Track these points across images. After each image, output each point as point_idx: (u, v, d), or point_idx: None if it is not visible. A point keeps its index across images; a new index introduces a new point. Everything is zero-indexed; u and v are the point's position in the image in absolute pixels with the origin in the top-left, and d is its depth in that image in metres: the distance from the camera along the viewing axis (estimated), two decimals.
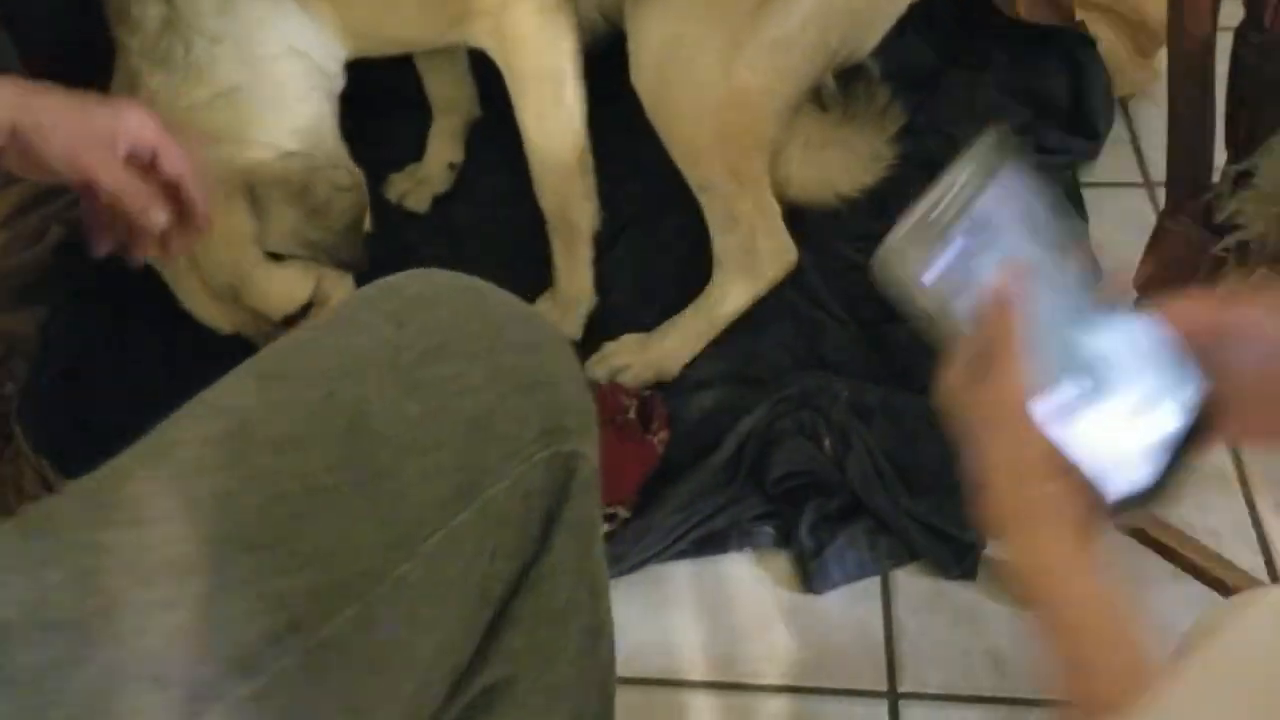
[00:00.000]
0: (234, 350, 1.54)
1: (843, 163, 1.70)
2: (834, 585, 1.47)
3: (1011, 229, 0.69)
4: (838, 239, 1.75)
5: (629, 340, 1.68)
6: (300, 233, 1.48)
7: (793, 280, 1.72)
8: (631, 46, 1.52)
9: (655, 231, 1.81)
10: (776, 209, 1.61)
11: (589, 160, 1.63)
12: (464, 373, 0.79)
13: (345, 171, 1.54)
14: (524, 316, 0.88)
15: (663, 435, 1.61)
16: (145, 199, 1.05)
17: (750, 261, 1.61)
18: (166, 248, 1.13)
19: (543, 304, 1.72)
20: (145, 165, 1.05)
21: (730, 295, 1.64)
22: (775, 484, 1.52)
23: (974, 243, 0.68)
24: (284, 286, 1.51)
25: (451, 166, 1.94)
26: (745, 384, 1.65)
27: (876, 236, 1.58)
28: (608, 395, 1.61)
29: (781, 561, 1.50)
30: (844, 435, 1.53)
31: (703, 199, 1.57)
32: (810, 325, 1.69)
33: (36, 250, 1.71)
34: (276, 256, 1.49)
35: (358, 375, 0.77)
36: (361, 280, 1.50)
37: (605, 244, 1.73)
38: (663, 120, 1.52)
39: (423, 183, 1.93)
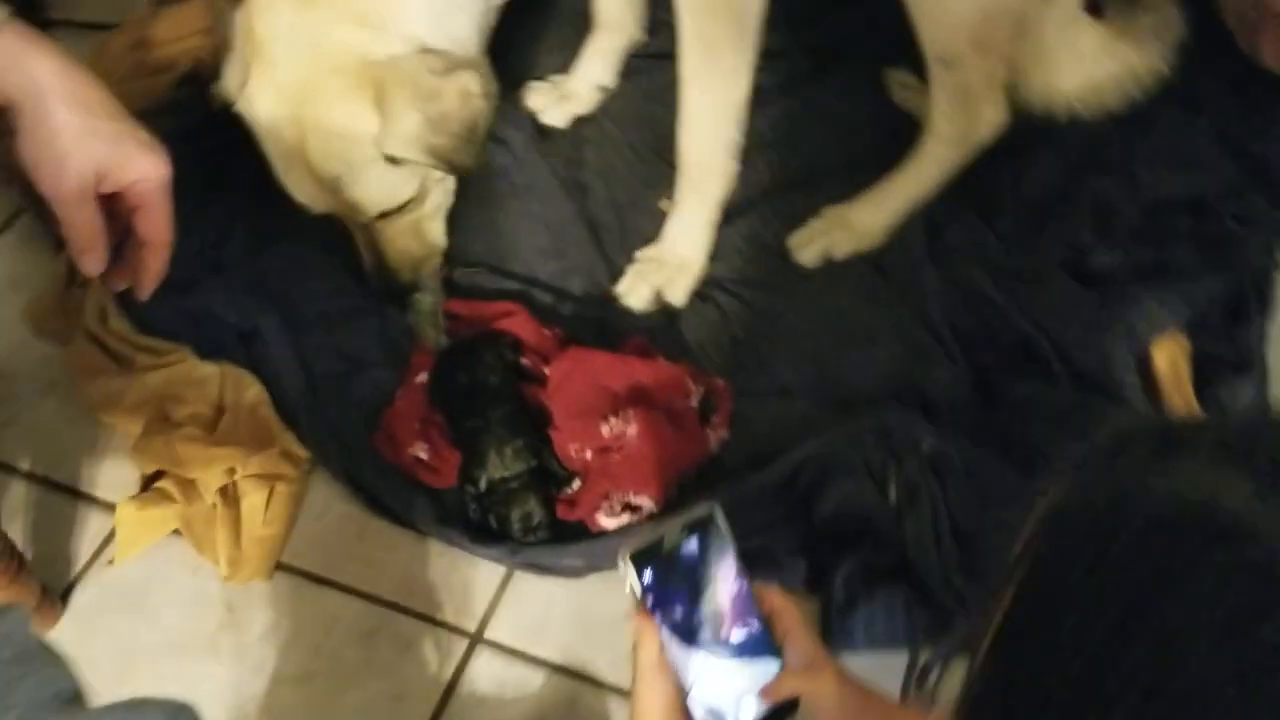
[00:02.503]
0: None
1: (1115, 74, 1.56)
2: (854, 648, 1.31)
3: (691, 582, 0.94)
4: (976, 268, 1.56)
5: (830, 212, 1.64)
6: (422, 138, 1.39)
7: (913, 302, 1.55)
8: None
9: None
10: (1002, 77, 1.54)
11: (742, 123, 1.54)
12: None
13: (479, 78, 1.43)
14: None
15: (721, 434, 1.48)
16: (88, 242, 0.99)
17: (965, 128, 1.57)
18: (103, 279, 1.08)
19: (645, 261, 1.61)
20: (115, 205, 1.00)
21: (940, 158, 1.60)
22: (824, 521, 1.37)
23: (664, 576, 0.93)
24: (389, 187, 1.45)
25: (600, 89, 1.82)
26: (828, 402, 1.50)
27: (1019, 274, 1.51)
28: (672, 375, 1.49)
29: (806, 603, 1.36)
30: (913, 489, 1.36)
31: (937, 70, 1.53)
32: (919, 355, 1.52)
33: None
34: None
35: None
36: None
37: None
38: None
39: (565, 99, 1.81)
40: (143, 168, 1.00)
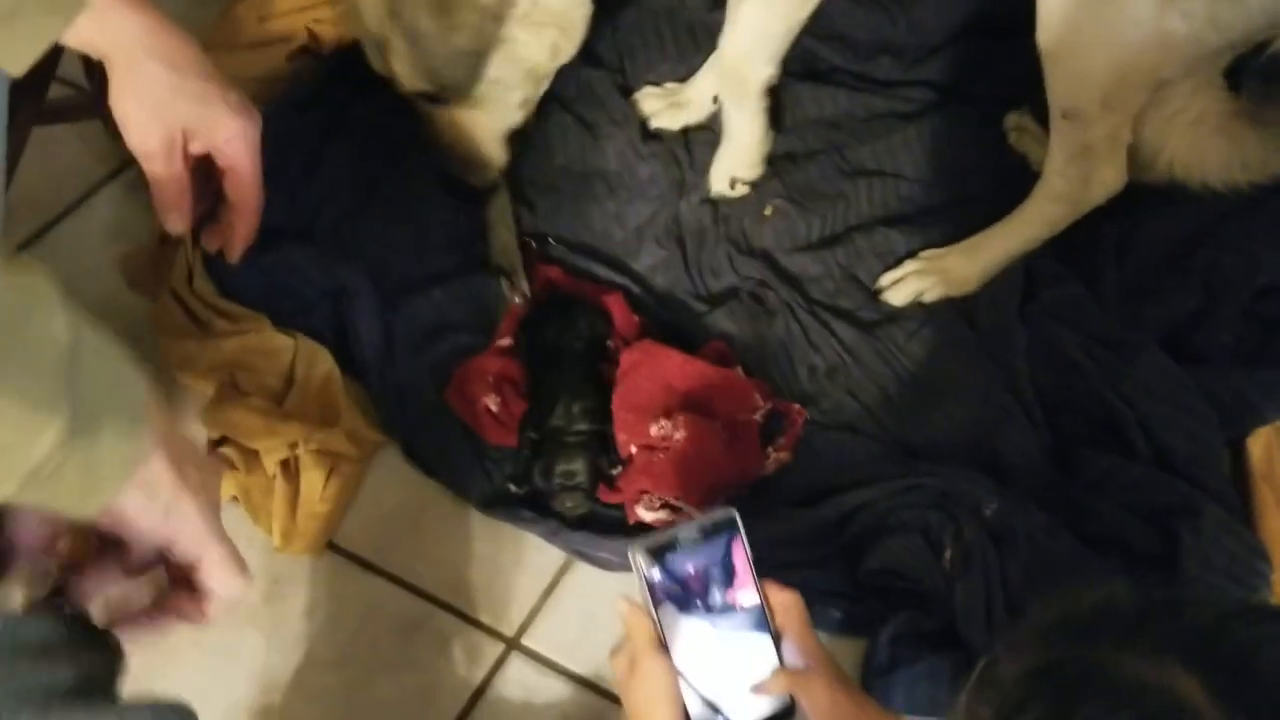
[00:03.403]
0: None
1: (1225, 154, 1.51)
2: (893, 711, 1.28)
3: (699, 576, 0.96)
4: (1070, 330, 1.49)
5: (927, 255, 1.60)
6: (415, 14, 1.34)
7: (999, 357, 1.50)
8: None
9: None
10: (1126, 138, 1.49)
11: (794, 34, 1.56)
12: None
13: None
14: None
15: (782, 456, 1.46)
16: (173, 200, 1.00)
17: (1079, 187, 1.51)
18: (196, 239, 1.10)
19: (723, 158, 1.68)
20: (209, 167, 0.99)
21: (1048, 215, 1.55)
22: (870, 573, 1.34)
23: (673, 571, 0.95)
24: (407, 65, 1.41)
25: (716, 100, 1.79)
26: (897, 449, 1.46)
27: (1114, 343, 1.49)
28: (740, 387, 1.47)
29: (836, 651, 1.31)
30: (969, 554, 1.32)
31: (1059, 123, 1.47)
32: (997, 413, 1.46)
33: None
34: None
35: None
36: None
37: None
38: (1059, 40, 1.40)
39: (678, 106, 1.78)
40: (232, 129, 1.01)
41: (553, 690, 1.34)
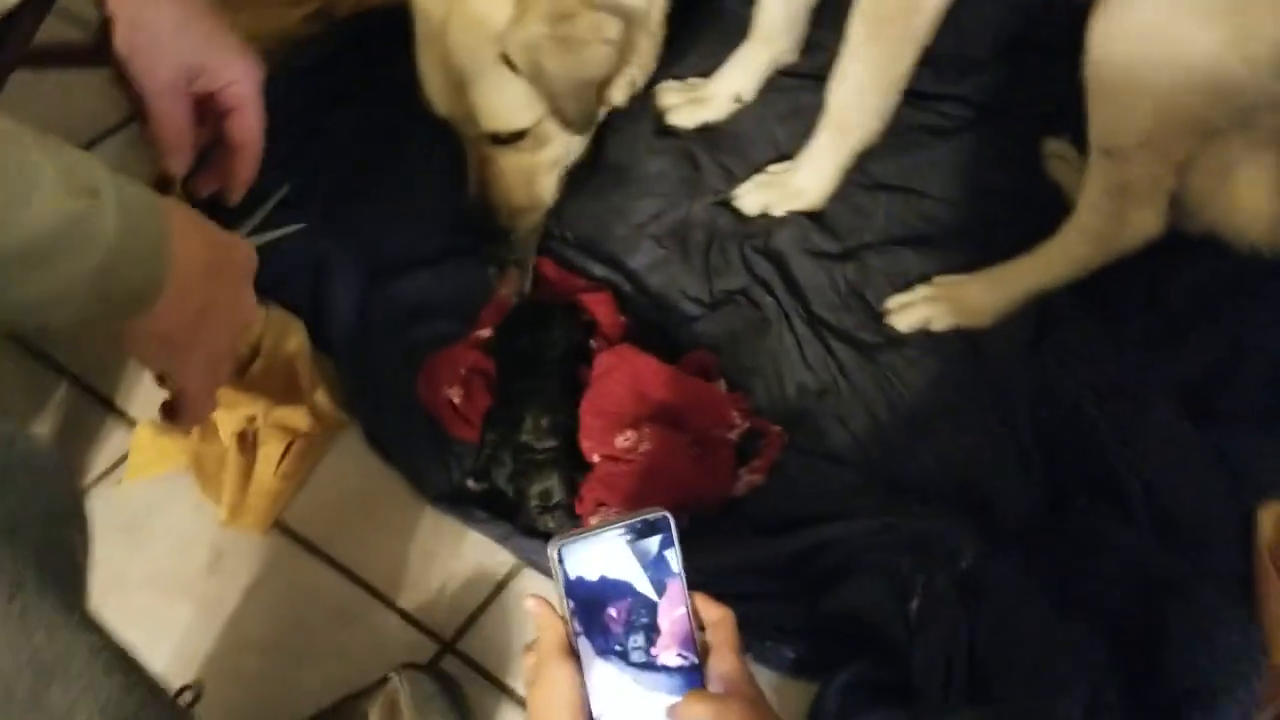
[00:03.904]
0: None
1: (1260, 210, 1.41)
2: None
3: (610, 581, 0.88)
4: (1080, 376, 1.39)
5: (941, 281, 1.52)
6: (538, 51, 1.33)
7: (1002, 397, 1.40)
8: (1108, 4, 1.28)
9: None
10: (1169, 184, 1.39)
11: (895, 96, 1.50)
12: None
13: (619, 26, 1.37)
14: None
15: (755, 478, 1.37)
16: (176, 138, 1.03)
17: (1112, 228, 1.41)
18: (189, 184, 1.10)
19: (771, 175, 1.62)
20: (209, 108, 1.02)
21: (1076, 253, 1.45)
22: (828, 615, 1.25)
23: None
24: (506, 101, 1.41)
25: (737, 99, 1.71)
26: (880, 483, 1.37)
27: (1126, 394, 1.39)
28: (717, 402, 1.39)
29: (784, 692, 1.24)
30: (935, 606, 1.22)
31: (1098, 158, 1.38)
32: (993, 456, 1.37)
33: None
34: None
35: None
36: None
37: None
38: (1107, 71, 1.31)
39: (698, 102, 1.71)
40: (238, 70, 1.03)
41: (479, 700, 1.27)
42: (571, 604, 0.88)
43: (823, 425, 1.42)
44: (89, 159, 0.77)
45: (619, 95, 1.52)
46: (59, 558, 0.78)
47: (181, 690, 1.20)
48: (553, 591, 0.89)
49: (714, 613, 0.91)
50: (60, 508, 0.82)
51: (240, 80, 1.06)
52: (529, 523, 1.35)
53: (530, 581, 1.34)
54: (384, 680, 1.20)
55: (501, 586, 1.35)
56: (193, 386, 0.96)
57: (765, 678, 1.24)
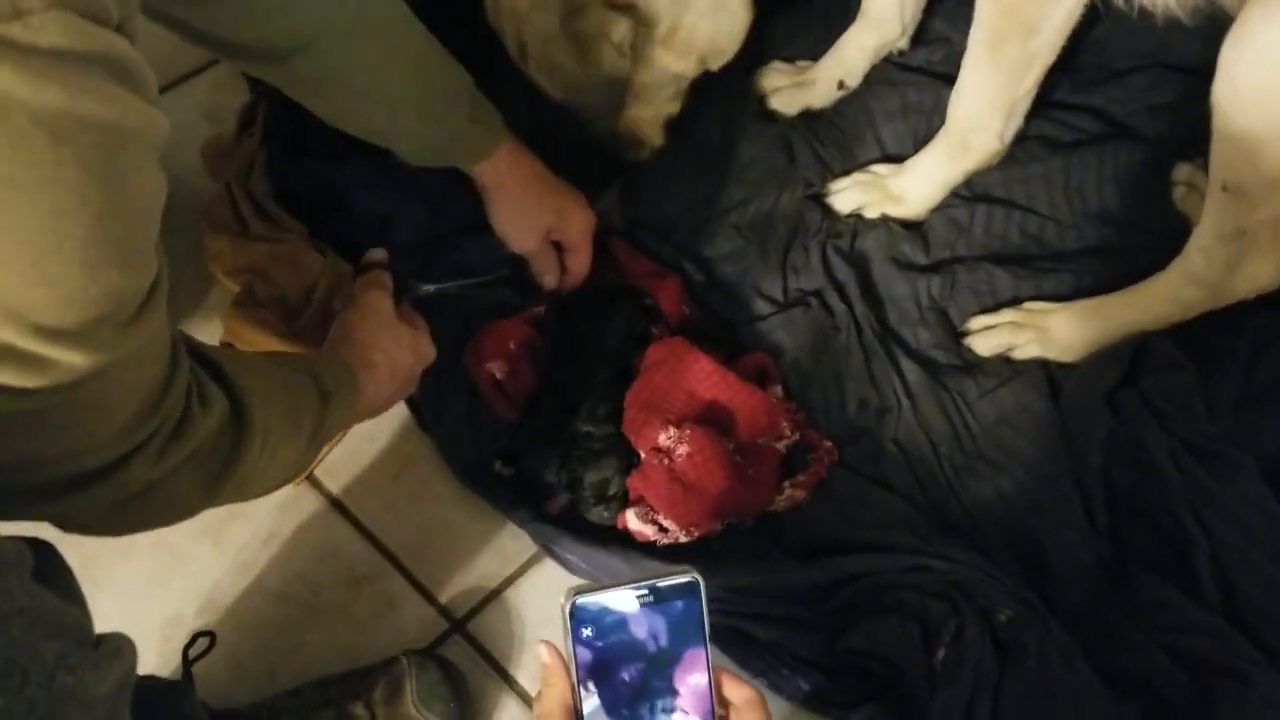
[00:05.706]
0: None
1: None
2: None
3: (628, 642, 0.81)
4: (1162, 431, 1.27)
5: (1031, 307, 1.42)
6: (548, 31, 1.41)
7: (1074, 441, 1.29)
8: (1246, 24, 1.15)
9: None
10: None
11: (1017, 115, 1.44)
12: None
13: (629, 30, 1.32)
14: None
15: (797, 494, 1.30)
16: (545, 269, 1.40)
17: (1224, 273, 1.30)
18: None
19: (872, 175, 1.53)
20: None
21: (1182, 296, 1.33)
22: (849, 650, 1.17)
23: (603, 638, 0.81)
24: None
25: (841, 86, 1.61)
26: (929, 517, 1.28)
27: (1208, 457, 1.30)
28: (767, 409, 1.32)
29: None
30: (962, 658, 1.14)
31: (1218, 194, 1.26)
32: (1055, 504, 1.26)
33: None
34: None
35: None
36: None
37: None
38: (1237, 99, 1.18)
39: (801, 86, 1.62)
40: (580, 226, 1.38)
41: (481, 687, 1.24)
42: (580, 663, 0.81)
43: (878, 447, 1.33)
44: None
45: (691, 70, 1.45)
46: None
47: (195, 637, 1.19)
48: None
49: (743, 693, 0.83)
50: None
51: (583, 231, 1.39)
52: (583, 513, 1.30)
53: (552, 569, 1.30)
54: (393, 661, 1.18)
55: (519, 574, 1.31)
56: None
57: (777, 707, 1.18)
